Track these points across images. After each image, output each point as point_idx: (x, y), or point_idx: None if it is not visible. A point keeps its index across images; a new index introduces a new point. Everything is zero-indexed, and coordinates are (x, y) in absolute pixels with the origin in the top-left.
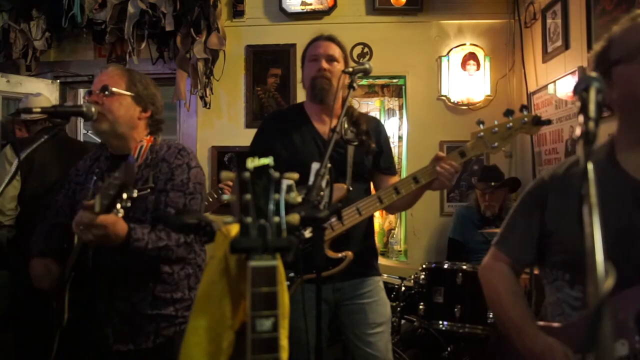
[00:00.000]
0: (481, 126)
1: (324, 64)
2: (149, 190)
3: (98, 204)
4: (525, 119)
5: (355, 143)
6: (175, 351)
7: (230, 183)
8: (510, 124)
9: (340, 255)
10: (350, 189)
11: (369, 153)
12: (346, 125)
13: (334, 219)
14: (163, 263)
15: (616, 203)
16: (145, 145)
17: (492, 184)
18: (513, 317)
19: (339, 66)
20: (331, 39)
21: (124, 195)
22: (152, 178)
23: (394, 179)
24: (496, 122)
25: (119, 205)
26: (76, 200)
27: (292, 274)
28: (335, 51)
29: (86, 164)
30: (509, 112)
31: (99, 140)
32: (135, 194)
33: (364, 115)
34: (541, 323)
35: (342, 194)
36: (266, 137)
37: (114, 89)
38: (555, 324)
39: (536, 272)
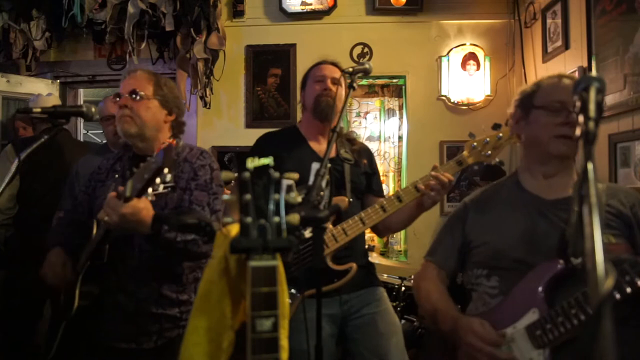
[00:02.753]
0: (473, 138)
1: (330, 85)
2: (169, 189)
3: (129, 187)
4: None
5: (352, 162)
6: (177, 354)
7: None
8: (500, 134)
9: (345, 267)
10: (351, 200)
11: (363, 174)
12: (343, 146)
13: (337, 231)
14: (181, 259)
15: (522, 212)
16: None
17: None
18: (439, 308)
19: (341, 90)
20: (335, 63)
21: (157, 180)
22: (172, 178)
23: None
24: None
25: (150, 190)
26: (96, 196)
27: (293, 290)
28: (339, 75)
29: (109, 162)
30: (496, 126)
31: (100, 141)
32: (169, 178)
33: (357, 141)
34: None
35: (344, 205)
36: (262, 153)
37: (142, 93)
38: (477, 312)
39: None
